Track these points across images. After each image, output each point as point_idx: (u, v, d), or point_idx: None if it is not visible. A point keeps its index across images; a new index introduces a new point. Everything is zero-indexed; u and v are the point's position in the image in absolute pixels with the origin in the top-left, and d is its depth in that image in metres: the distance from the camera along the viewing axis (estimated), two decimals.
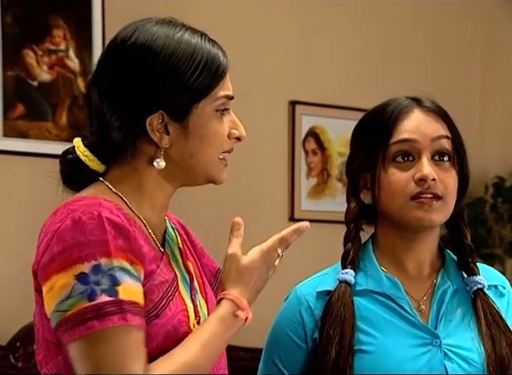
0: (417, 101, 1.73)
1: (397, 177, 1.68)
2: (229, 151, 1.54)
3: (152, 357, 1.42)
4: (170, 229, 1.60)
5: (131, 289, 1.39)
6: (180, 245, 1.59)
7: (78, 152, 1.53)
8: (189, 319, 1.48)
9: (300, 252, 4.15)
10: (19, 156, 3.45)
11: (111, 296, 1.37)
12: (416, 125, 1.70)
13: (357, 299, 1.69)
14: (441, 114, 1.73)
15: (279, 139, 4.13)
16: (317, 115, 4.18)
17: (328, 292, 1.70)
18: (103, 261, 1.38)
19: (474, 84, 4.71)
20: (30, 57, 3.46)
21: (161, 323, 1.44)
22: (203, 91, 1.49)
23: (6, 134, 3.41)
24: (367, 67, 4.35)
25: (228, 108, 1.53)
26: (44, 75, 3.50)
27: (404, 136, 1.69)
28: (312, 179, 4.21)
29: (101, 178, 1.53)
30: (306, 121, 4.16)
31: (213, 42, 1.53)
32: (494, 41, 4.74)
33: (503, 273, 5.17)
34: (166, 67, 1.48)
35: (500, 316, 1.71)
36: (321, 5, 4.23)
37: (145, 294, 1.43)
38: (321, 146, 4.22)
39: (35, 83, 3.48)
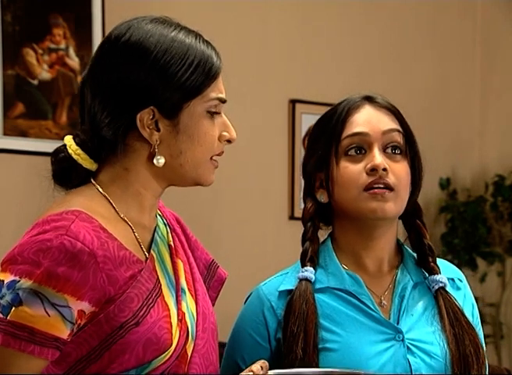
0: (368, 98, 1.75)
1: (350, 170, 1.69)
2: (219, 154, 1.55)
3: (132, 365, 1.44)
4: (162, 226, 1.60)
5: (31, 314, 1.39)
6: (171, 242, 1.59)
7: (70, 151, 1.54)
8: (171, 326, 1.48)
9: (299, 251, 4.15)
10: (20, 155, 3.45)
11: (1, 312, 1.40)
12: (367, 119, 1.72)
13: (318, 296, 1.69)
14: (392, 109, 1.75)
15: (279, 138, 4.13)
16: (317, 113, 4.12)
17: (290, 291, 1.70)
18: (23, 280, 1.40)
19: (474, 83, 4.71)
20: (30, 56, 3.47)
21: (141, 331, 1.45)
22: (195, 90, 1.50)
23: (6, 133, 3.41)
24: (367, 66, 4.35)
25: (219, 112, 1.53)
26: (45, 74, 3.50)
27: (356, 130, 1.71)
28: None
29: (92, 180, 1.53)
30: (306, 120, 4.15)
31: (207, 43, 1.54)
32: (494, 40, 4.74)
33: (503, 272, 5.14)
34: (159, 64, 1.49)
35: (462, 314, 1.73)
36: (322, 4, 4.23)
37: (124, 303, 1.44)
38: None
39: (35, 82, 3.48)
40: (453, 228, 4.45)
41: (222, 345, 1.67)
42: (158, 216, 1.61)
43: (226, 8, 3.97)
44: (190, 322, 1.53)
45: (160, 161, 1.50)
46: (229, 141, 1.55)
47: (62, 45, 3.54)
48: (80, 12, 3.57)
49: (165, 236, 1.59)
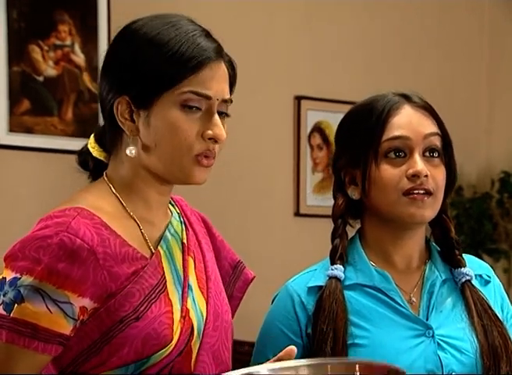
0: (406, 98, 1.73)
1: (390, 173, 1.68)
2: (205, 154, 1.50)
3: (131, 359, 1.45)
4: (176, 223, 1.60)
5: (34, 310, 1.40)
6: (184, 240, 1.59)
7: (89, 142, 1.59)
8: (173, 321, 1.48)
9: (306, 247, 4.15)
10: (25, 151, 3.45)
11: (5, 310, 1.41)
12: (408, 121, 1.70)
13: (348, 293, 1.70)
14: (430, 110, 1.74)
15: (284, 134, 4.13)
16: (322, 110, 4.17)
17: (319, 287, 1.71)
18: (24, 277, 1.41)
19: (481, 80, 4.71)
20: (35, 52, 3.47)
21: (141, 326, 1.45)
22: (167, 82, 1.48)
23: (12, 130, 3.41)
24: (372, 63, 4.34)
25: (198, 107, 1.50)
26: (50, 70, 3.50)
27: (397, 133, 1.69)
28: (318, 174, 4.21)
29: (104, 175, 1.55)
30: (311, 116, 4.15)
31: (206, 37, 1.52)
32: (501, 38, 4.73)
33: (509, 269, 5.14)
34: (136, 54, 1.49)
35: (489, 306, 1.73)
36: (328, 1, 4.23)
37: (125, 298, 1.45)
38: (326, 141, 4.21)
39: (41, 79, 3.48)
40: (458, 225, 4.45)
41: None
42: (175, 213, 1.62)
43: (232, 4, 3.97)
44: (196, 319, 1.52)
45: (132, 151, 1.51)
46: (215, 141, 1.51)
47: (68, 42, 3.54)
48: (85, 9, 3.57)
49: (179, 233, 1.59)
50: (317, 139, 4.20)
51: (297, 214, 4.14)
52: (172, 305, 1.50)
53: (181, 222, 1.62)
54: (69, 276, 1.41)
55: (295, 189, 4.15)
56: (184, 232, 1.60)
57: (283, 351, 1.47)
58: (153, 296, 1.48)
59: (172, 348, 1.47)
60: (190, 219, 1.64)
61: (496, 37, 4.72)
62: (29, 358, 1.42)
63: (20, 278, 1.41)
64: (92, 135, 1.59)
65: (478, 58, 4.71)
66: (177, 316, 1.49)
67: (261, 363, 1.66)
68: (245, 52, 3.91)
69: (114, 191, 1.53)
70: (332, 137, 4.23)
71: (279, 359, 1.46)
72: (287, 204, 4.14)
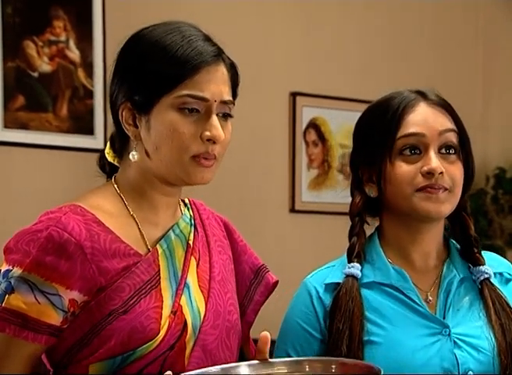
0: (422, 95, 1.73)
1: (404, 170, 1.68)
2: (204, 155, 1.52)
3: (118, 351, 1.48)
4: (183, 224, 1.63)
5: (23, 301, 1.46)
6: (190, 241, 1.61)
7: (106, 147, 1.65)
8: (161, 316, 1.51)
9: (302, 244, 4.16)
10: (20, 147, 3.45)
11: None
12: (423, 118, 1.70)
13: (365, 291, 1.70)
14: (446, 107, 1.74)
15: (279, 130, 4.13)
16: (318, 106, 4.17)
17: (337, 284, 1.71)
18: (15, 268, 1.47)
19: (476, 76, 4.71)
20: (30, 48, 3.46)
21: (128, 319, 1.49)
22: (165, 87, 1.51)
23: (7, 126, 3.41)
24: (368, 59, 4.34)
25: (197, 109, 1.52)
26: (45, 66, 3.49)
27: (412, 130, 1.69)
28: (313, 170, 4.21)
29: (113, 178, 1.61)
30: (307, 112, 4.15)
31: (204, 41, 1.54)
32: (496, 33, 4.73)
33: None
34: (136, 62, 1.54)
35: (508, 304, 1.73)
36: None
37: (115, 292, 1.49)
38: (321, 137, 4.21)
39: (35, 75, 3.47)
40: None
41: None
42: (185, 216, 1.64)
43: (228, 2, 3.96)
44: (191, 316, 1.54)
45: (135, 156, 1.55)
46: (214, 142, 1.52)
47: (63, 38, 3.53)
48: (80, 5, 3.56)
49: (186, 234, 1.62)
50: (312, 135, 4.20)
51: (293, 210, 4.14)
52: (162, 301, 1.53)
53: (191, 224, 1.64)
54: (56, 268, 1.47)
55: (290, 185, 4.15)
56: (192, 233, 1.63)
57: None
58: (143, 291, 1.51)
59: (158, 341, 1.49)
60: (203, 222, 1.67)
61: (492, 33, 4.73)
62: (19, 347, 1.48)
63: (11, 270, 1.48)
64: (109, 141, 1.64)
65: (472, 55, 4.71)
66: (167, 311, 1.52)
67: (282, 356, 1.69)
68: (240, 49, 3.90)
69: (118, 191, 1.58)
70: (327, 134, 4.24)
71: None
72: (282, 200, 4.13)
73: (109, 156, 1.63)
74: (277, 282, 1.75)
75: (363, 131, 1.76)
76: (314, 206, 4.14)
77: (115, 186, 1.59)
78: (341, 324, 1.66)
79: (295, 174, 4.14)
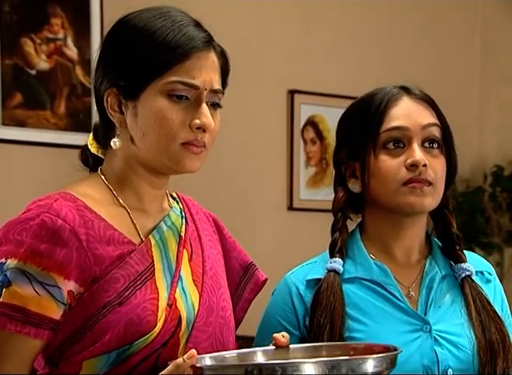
0: (405, 90, 1.74)
1: (388, 164, 1.69)
2: (192, 143, 1.49)
3: (113, 346, 1.44)
4: (175, 216, 1.60)
5: (22, 293, 1.41)
6: (182, 233, 1.59)
7: (88, 139, 1.60)
8: (157, 308, 1.47)
9: (299, 241, 4.16)
10: (18, 145, 3.44)
11: None
12: (406, 113, 1.71)
13: (346, 287, 1.70)
14: (429, 102, 1.74)
15: (277, 128, 4.13)
16: (316, 104, 4.17)
17: (318, 280, 1.71)
18: (9, 260, 1.42)
19: (473, 73, 4.71)
20: (28, 46, 3.46)
21: (123, 311, 1.45)
22: (153, 73, 1.48)
23: (4, 123, 3.41)
24: (366, 56, 4.34)
25: (186, 96, 1.49)
26: (43, 63, 3.49)
27: (395, 123, 1.70)
28: (311, 168, 4.21)
29: (99, 169, 1.56)
30: (305, 110, 4.15)
31: (194, 27, 1.51)
32: (493, 29, 4.73)
33: (502, 263, 5.14)
34: (123, 46, 1.50)
35: (489, 302, 1.73)
36: None
37: (109, 283, 1.45)
38: (319, 135, 4.21)
39: (33, 72, 3.47)
40: None
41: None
42: (176, 208, 1.62)
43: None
44: (186, 310, 1.51)
45: (116, 143, 1.51)
46: (204, 131, 1.50)
47: (60, 35, 3.53)
48: (78, 2, 3.56)
49: (178, 226, 1.59)
50: (310, 133, 4.20)
51: (290, 208, 4.14)
52: (158, 293, 1.49)
53: (182, 216, 1.61)
54: (52, 256, 1.42)
55: (288, 183, 4.15)
56: (183, 226, 1.60)
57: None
58: (138, 282, 1.48)
59: (155, 334, 1.46)
60: (193, 217, 1.64)
61: (489, 28, 4.72)
62: (21, 343, 1.42)
63: (6, 262, 1.42)
64: (91, 131, 1.60)
65: (470, 51, 4.71)
66: (163, 303, 1.49)
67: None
68: (239, 46, 3.90)
69: (106, 182, 1.54)
70: (325, 132, 4.24)
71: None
72: (280, 198, 4.13)
73: (93, 147, 1.58)
74: (266, 280, 1.74)
75: (347, 126, 1.77)
76: (312, 204, 4.14)
77: (102, 177, 1.54)
78: (322, 318, 1.65)
79: (293, 172, 4.15)
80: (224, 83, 1.56)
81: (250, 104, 3.98)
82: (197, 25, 1.53)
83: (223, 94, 1.54)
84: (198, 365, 1.38)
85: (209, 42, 1.52)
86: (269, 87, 4.08)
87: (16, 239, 1.42)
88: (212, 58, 1.52)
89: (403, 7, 4.48)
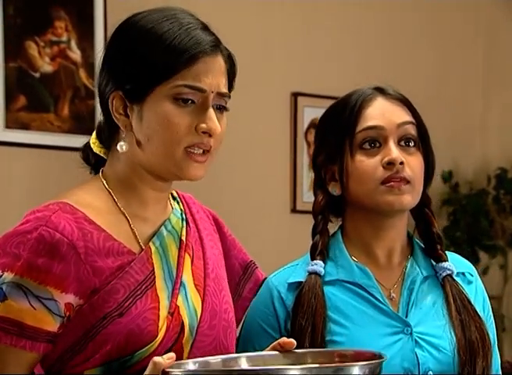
0: (379, 90, 1.75)
1: (365, 164, 1.69)
2: (197, 145, 1.48)
3: (115, 356, 1.43)
4: (175, 219, 1.58)
5: (17, 307, 1.39)
6: (183, 237, 1.57)
7: (91, 138, 1.58)
8: (158, 318, 1.46)
9: (302, 243, 4.15)
10: (22, 148, 3.45)
11: None
12: (381, 112, 1.71)
13: (328, 289, 1.70)
14: (403, 101, 1.75)
15: (281, 131, 4.13)
16: (319, 106, 4.16)
17: (300, 283, 1.71)
18: (5, 274, 1.40)
19: (476, 75, 4.70)
20: (32, 48, 3.46)
21: (124, 322, 1.43)
22: (160, 76, 1.46)
23: (8, 126, 3.41)
24: (368, 58, 4.34)
25: (192, 100, 1.48)
26: (46, 66, 3.49)
27: (370, 123, 1.70)
28: None
29: (100, 172, 1.55)
30: (308, 113, 4.15)
31: (202, 30, 1.50)
32: (497, 32, 4.73)
33: (505, 265, 5.13)
34: (129, 50, 1.48)
35: (469, 301, 1.73)
36: None
37: (109, 294, 1.44)
38: None
39: (37, 75, 3.48)
40: (455, 221, 4.45)
41: None
42: (176, 210, 1.60)
43: (229, 1, 3.96)
44: (188, 316, 1.50)
45: (123, 147, 1.49)
46: (210, 135, 1.48)
47: (64, 38, 3.53)
48: (81, 5, 3.57)
49: (178, 230, 1.58)
50: (313, 136, 4.19)
51: (294, 210, 4.13)
52: (159, 301, 1.48)
53: (182, 219, 1.60)
54: (49, 271, 1.40)
55: (292, 186, 4.15)
56: (184, 229, 1.58)
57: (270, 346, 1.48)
58: (139, 292, 1.46)
59: (157, 344, 1.45)
60: (194, 216, 1.62)
61: (492, 31, 4.70)
62: (16, 357, 1.41)
63: (2, 275, 1.40)
64: (95, 130, 1.58)
65: (473, 53, 4.70)
66: (164, 312, 1.47)
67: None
68: (242, 48, 3.90)
69: (107, 186, 1.52)
70: None
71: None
72: (284, 200, 4.13)
73: (95, 146, 1.56)
74: (265, 279, 1.73)
75: (324, 129, 1.78)
76: None
77: (104, 181, 1.52)
78: (304, 321, 1.65)
79: (296, 174, 4.14)
80: (230, 86, 1.55)
81: (254, 106, 3.98)
82: (205, 28, 1.51)
83: (230, 97, 1.53)
84: (169, 370, 1.35)
85: (217, 46, 1.51)
86: (272, 89, 4.08)
87: (14, 252, 1.40)
88: (219, 61, 1.51)
89: (405, 11, 4.48)
